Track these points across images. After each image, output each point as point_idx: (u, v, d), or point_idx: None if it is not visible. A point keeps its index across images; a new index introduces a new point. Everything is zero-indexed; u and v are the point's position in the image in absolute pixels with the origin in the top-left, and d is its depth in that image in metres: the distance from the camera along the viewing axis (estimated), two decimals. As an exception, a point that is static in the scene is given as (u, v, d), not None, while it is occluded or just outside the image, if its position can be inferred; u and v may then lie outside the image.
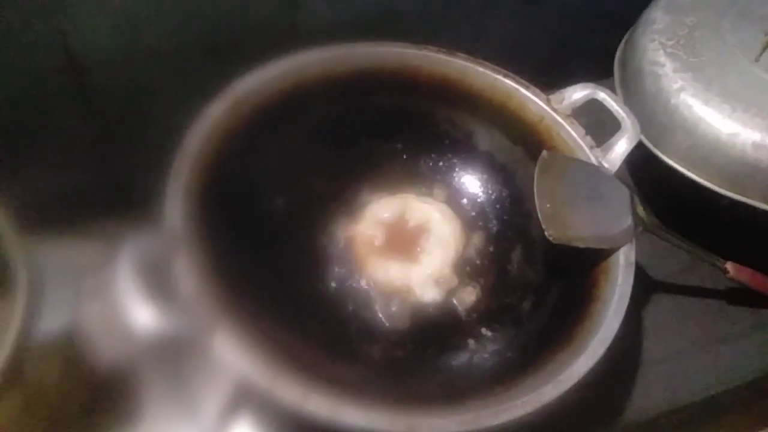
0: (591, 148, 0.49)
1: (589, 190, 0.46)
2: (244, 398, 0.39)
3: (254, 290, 0.41)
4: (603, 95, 0.50)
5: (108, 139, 0.54)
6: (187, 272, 0.38)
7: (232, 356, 0.36)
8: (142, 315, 0.37)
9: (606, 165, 0.48)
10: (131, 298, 0.36)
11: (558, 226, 0.43)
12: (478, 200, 0.53)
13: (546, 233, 0.43)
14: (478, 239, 0.51)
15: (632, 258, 0.43)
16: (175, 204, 0.41)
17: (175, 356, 0.41)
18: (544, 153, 0.47)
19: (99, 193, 0.50)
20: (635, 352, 0.49)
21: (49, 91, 0.52)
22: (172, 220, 0.40)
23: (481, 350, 0.45)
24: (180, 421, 0.43)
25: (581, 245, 0.43)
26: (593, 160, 0.48)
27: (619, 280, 0.42)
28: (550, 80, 0.52)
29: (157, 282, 0.38)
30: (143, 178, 0.43)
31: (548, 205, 0.44)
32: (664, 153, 0.51)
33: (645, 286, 0.52)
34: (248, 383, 0.35)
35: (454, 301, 0.48)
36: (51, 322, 0.42)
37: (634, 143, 0.48)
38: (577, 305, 0.43)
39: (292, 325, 0.42)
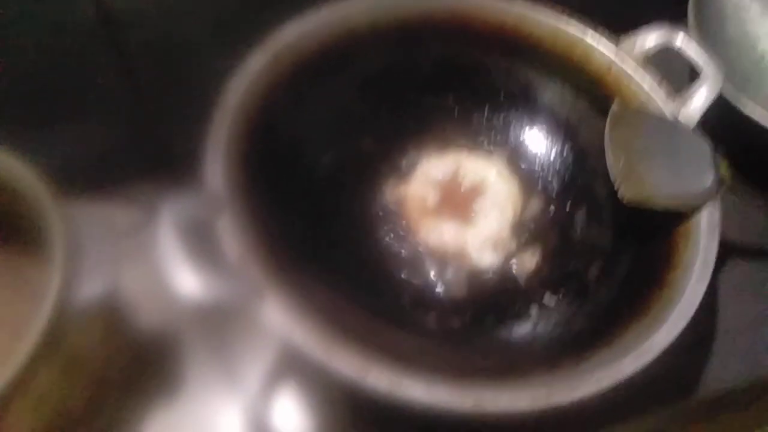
0: (666, 100, 0.44)
1: (666, 146, 0.42)
2: (292, 368, 0.36)
3: (302, 255, 0.38)
4: (681, 40, 0.45)
5: (145, 96, 0.51)
6: (232, 235, 0.35)
7: (283, 324, 0.33)
8: (185, 280, 0.35)
9: (683, 119, 0.43)
10: (173, 262, 0.34)
11: (633, 184, 0.39)
12: (538, 158, 0.49)
13: (619, 193, 0.39)
14: (537, 200, 0.47)
15: (716, 219, 0.39)
16: (216, 163, 0.38)
17: (220, 322, 0.39)
18: (615, 105, 0.43)
19: (137, 152, 0.47)
20: (711, 321, 0.45)
21: (82, 46, 0.50)
22: (213, 180, 0.37)
23: (545, 319, 0.42)
24: (224, 389, 0.41)
25: (659, 206, 0.39)
26: (669, 113, 0.44)
27: (702, 244, 0.38)
28: (618, 25, 0.47)
29: (200, 245, 0.35)
30: (182, 136, 0.40)
31: (621, 162, 0.40)
32: (747, 105, 0.46)
33: (722, 250, 0.47)
34: (300, 353, 0.33)
35: (514, 267, 0.45)
36: (90, 287, 0.40)
37: (715, 94, 0.43)
38: (653, 273, 0.39)
39: (342, 292, 0.39)
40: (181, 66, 0.50)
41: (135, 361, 0.41)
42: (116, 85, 0.51)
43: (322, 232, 0.42)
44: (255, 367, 0.40)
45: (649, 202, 0.39)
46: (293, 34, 0.44)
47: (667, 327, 0.35)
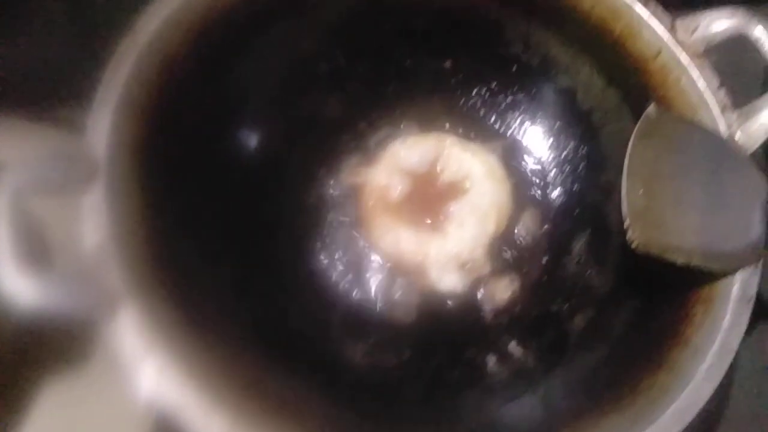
0: (724, 109, 0.33)
1: (708, 176, 0.31)
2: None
3: (194, 251, 0.30)
4: (758, 31, 0.33)
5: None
6: (96, 215, 0.27)
7: (131, 353, 0.25)
8: (19, 267, 0.27)
9: (741, 139, 0.32)
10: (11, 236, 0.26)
11: (650, 226, 0.29)
12: (542, 157, 0.39)
13: (629, 235, 0.29)
14: (530, 213, 0.38)
15: (752, 291, 0.29)
16: (102, 114, 0.29)
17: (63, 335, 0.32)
18: (652, 108, 0.32)
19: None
20: (720, 402, 0.36)
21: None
22: (94, 137, 0.29)
23: (501, 375, 0.33)
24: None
25: (679, 261, 0.29)
26: (724, 128, 0.32)
27: (726, 321, 0.28)
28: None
29: (54, 220, 0.27)
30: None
31: (641, 192, 0.30)
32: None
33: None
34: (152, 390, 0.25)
35: (481, 296, 0.35)
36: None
37: (793, 113, 0.32)
38: (654, 344, 0.30)
39: (241, 307, 0.30)
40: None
41: (17, 338, 0.35)
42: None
43: (236, 221, 0.33)
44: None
45: (667, 254, 0.29)
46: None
47: (656, 429, 0.26)
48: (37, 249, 0.25)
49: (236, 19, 0.33)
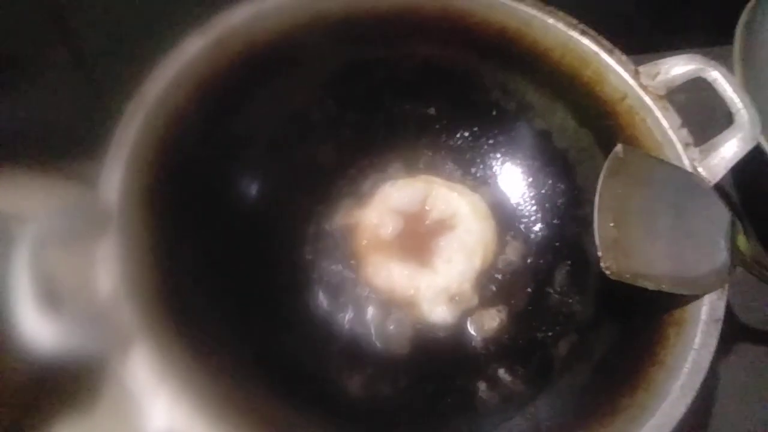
0: (686, 146, 0.35)
1: (674, 208, 0.33)
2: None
3: (203, 293, 0.32)
4: (714, 74, 0.36)
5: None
6: (110, 261, 0.29)
7: (144, 389, 0.27)
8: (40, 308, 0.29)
9: (704, 173, 0.35)
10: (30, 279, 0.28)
11: (621, 255, 0.31)
12: (523, 194, 0.42)
13: (602, 264, 0.31)
14: (514, 247, 0.40)
15: (720, 312, 0.31)
16: (115, 169, 0.31)
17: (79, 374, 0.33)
18: (619, 147, 0.34)
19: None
20: (703, 420, 0.38)
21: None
22: (106, 188, 0.31)
23: (491, 400, 0.34)
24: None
25: (650, 286, 0.31)
26: (687, 164, 0.35)
27: (697, 342, 0.30)
28: (642, 45, 0.40)
29: (69, 266, 0.29)
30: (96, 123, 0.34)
31: (611, 224, 0.32)
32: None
33: (730, 333, 0.39)
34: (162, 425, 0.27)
35: (470, 327, 0.37)
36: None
37: (749, 147, 0.35)
38: (631, 365, 0.32)
39: (244, 343, 0.32)
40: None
41: (34, 378, 0.36)
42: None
43: (238, 263, 0.35)
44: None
45: (638, 280, 0.31)
46: (245, 15, 0.37)
47: (633, 446, 0.28)
48: (54, 294, 0.27)
49: (236, 77, 0.36)
